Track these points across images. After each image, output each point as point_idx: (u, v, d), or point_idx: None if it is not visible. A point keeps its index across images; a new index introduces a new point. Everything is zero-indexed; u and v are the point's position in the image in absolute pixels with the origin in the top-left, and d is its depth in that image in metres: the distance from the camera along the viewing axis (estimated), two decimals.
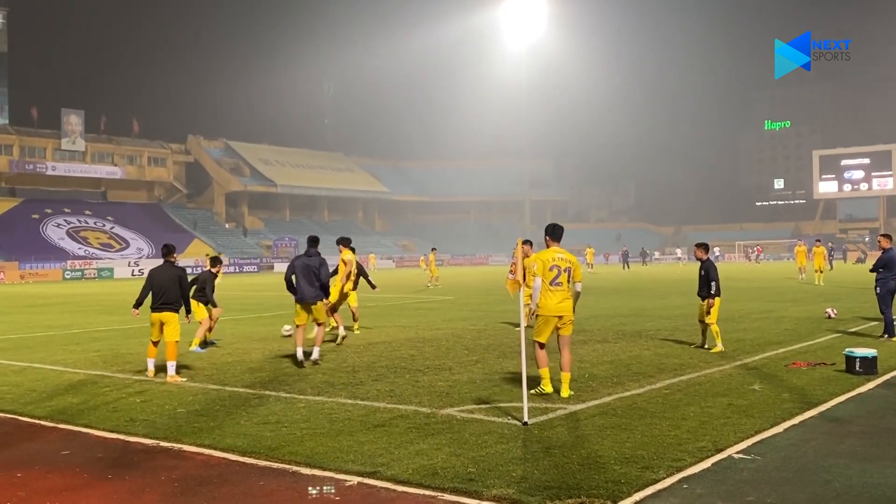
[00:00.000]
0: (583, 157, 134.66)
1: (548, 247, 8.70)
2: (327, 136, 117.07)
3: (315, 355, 11.12)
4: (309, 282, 11.21)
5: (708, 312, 11.70)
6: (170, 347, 10.15)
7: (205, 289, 13.22)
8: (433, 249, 38.51)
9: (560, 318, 8.49)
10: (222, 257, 13.57)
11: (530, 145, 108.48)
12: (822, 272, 30.31)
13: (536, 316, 8.58)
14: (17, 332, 17.18)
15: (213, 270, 13.77)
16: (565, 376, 8.48)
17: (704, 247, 12.17)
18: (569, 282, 8.55)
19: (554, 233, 8.69)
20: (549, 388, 8.53)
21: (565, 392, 8.39)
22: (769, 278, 37.01)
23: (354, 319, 15.35)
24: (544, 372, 8.60)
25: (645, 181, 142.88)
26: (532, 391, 8.34)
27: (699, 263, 12.05)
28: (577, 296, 8.75)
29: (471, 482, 5.40)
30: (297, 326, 11.32)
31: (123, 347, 13.49)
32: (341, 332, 13.69)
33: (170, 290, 10.30)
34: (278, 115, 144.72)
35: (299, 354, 10.98)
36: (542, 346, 8.55)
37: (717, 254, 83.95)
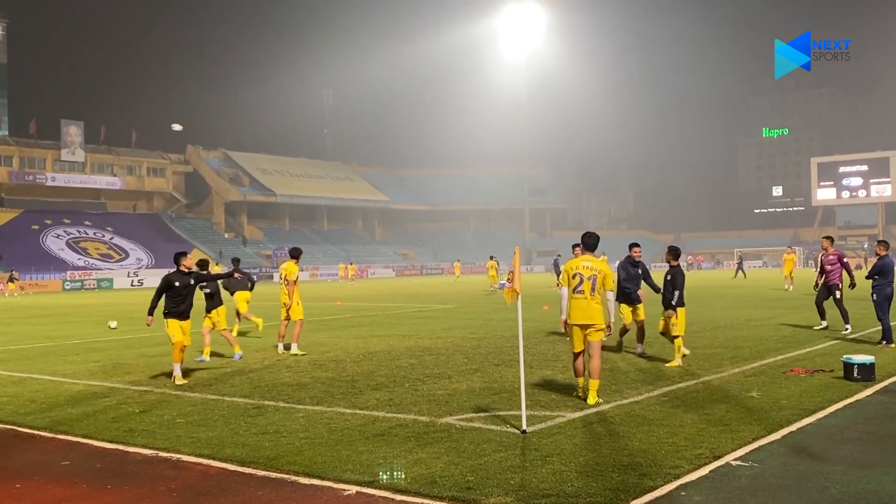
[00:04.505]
0: (582, 164, 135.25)
1: (578, 255, 8.83)
2: (326, 145, 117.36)
3: None
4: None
5: (672, 324, 11.12)
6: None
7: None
8: (492, 257, 39.47)
9: (582, 326, 8.44)
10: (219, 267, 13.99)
11: (530, 153, 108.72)
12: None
13: (566, 324, 8.55)
14: (17, 342, 17.18)
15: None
16: (592, 383, 8.44)
17: (675, 252, 11.56)
18: (593, 290, 8.40)
19: (585, 242, 8.81)
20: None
21: (591, 399, 8.34)
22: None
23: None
24: (579, 381, 8.72)
25: (644, 189, 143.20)
26: (575, 394, 8.75)
27: (667, 268, 11.53)
28: (606, 303, 8.68)
29: (469, 490, 5.42)
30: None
31: (123, 358, 13.49)
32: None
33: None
34: (277, 125, 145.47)
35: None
36: (575, 356, 8.63)
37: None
